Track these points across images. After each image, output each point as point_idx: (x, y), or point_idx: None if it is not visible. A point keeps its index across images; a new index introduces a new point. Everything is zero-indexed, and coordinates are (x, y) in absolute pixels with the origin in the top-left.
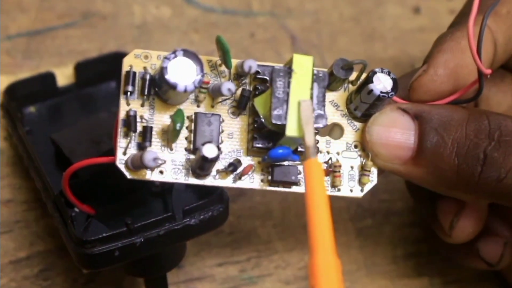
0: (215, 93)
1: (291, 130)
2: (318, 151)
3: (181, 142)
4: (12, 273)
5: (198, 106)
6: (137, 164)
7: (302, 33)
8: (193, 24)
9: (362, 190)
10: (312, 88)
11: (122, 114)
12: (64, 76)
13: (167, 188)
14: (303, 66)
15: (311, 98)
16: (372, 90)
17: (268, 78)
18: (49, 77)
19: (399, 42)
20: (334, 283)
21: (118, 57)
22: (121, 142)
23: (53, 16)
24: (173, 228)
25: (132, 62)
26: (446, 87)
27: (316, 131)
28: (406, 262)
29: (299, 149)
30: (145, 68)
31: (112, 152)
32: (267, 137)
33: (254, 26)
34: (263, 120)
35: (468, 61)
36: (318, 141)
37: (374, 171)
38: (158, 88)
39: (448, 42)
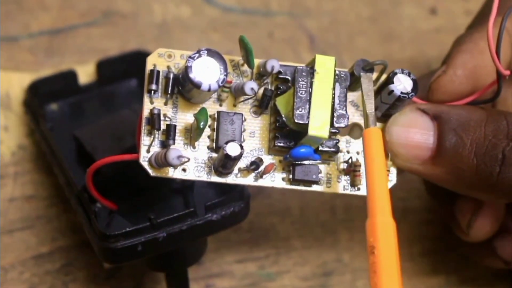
0: (237, 93)
1: (313, 130)
2: (375, 121)
3: (204, 141)
4: (34, 268)
5: (220, 105)
6: (160, 161)
7: (320, 33)
8: (213, 23)
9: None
10: (334, 88)
11: (145, 112)
12: (85, 74)
13: (188, 184)
14: (326, 67)
15: (333, 98)
16: (392, 91)
17: (290, 78)
18: (70, 75)
19: (416, 43)
20: (391, 241)
21: (139, 55)
22: (145, 140)
23: (74, 15)
24: (195, 223)
25: (156, 61)
26: (465, 88)
27: (338, 131)
28: (423, 260)
29: (320, 148)
30: (168, 67)
31: (134, 149)
32: (288, 136)
33: (273, 26)
34: (284, 120)
35: (487, 62)
36: (338, 140)
37: (393, 171)
38: (182, 87)
39: (466, 43)
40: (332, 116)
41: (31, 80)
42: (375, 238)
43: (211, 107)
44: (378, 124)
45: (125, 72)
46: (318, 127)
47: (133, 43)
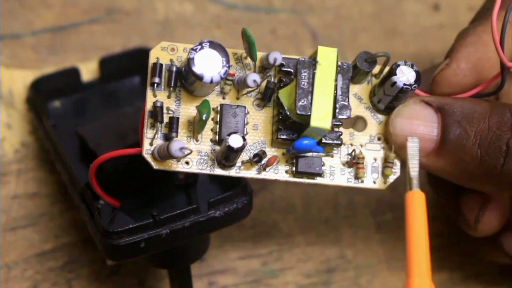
0: (240, 85)
1: (316, 120)
2: (418, 184)
3: (207, 133)
4: (37, 265)
5: (223, 98)
6: (163, 154)
7: (323, 30)
8: (216, 20)
9: (385, 182)
10: (336, 80)
11: (149, 105)
12: (88, 71)
13: (191, 181)
14: (328, 58)
15: (335, 89)
16: (395, 82)
17: (292, 71)
18: (73, 72)
19: (419, 39)
20: None
21: (142, 52)
22: (148, 133)
23: (77, 12)
24: (198, 220)
25: (159, 54)
26: (469, 81)
27: (341, 123)
28: None
29: (323, 140)
30: (171, 60)
31: (137, 145)
32: (291, 129)
33: (276, 23)
34: (287, 112)
35: (490, 55)
36: (341, 133)
37: (397, 163)
38: (185, 80)
39: (470, 36)
40: (335, 108)
41: (34, 77)
42: None
43: (214, 100)
44: (381, 117)
45: (128, 69)
46: (321, 118)
47: (136, 40)
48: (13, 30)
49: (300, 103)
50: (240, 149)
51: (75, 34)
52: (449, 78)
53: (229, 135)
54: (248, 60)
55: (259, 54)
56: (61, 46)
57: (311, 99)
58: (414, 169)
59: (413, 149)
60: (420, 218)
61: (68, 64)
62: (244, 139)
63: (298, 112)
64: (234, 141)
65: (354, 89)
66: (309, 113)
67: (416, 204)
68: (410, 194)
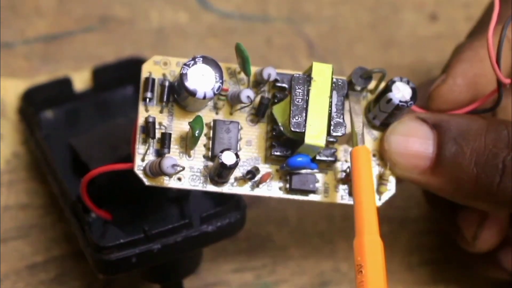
0: (234, 101)
1: (310, 138)
2: (364, 139)
3: (200, 149)
4: (28, 277)
5: (216, 113)
6: (155, 170)
7: (319, 40)
8: (210, 29)
9: (380, 199)
10: (331, 96)
11: (140, 121)
12: (81, 81)
13: (184, 194)
14: (323, 74)
15: (330, 106)
16: (391, 99)
17: (287, 86)
18: (66, 82)
19: (416, 49)
20: (378, 260)
21: (136, 62)
22: (140, 149)
23: (70, 21)
24: (191, 235)
25: (151, 69)
26: (465, 97)
27: (335, 139)
28: (422, 270)
29: (318, 157)
30: (164, 74)
31: (130, 158)
32: (285, 145)
33: (271, 32)
34: (281, 128)
35: (487, 71)
36: (336, 149)
37: (392, 181)
38: (177, 95)
39: (466, 51)
40: (329, 125)
41: (26, 86)
42: (363, 257)
43: (207, 115)
44: (376, 133)
45: (121, 79)
46: (315, 135)
47: (130, 50)
48: (5, 38)
49: (294, 120)
50: (233, 166)
51: (68, 43)
52: (445, 94)
53: (222, 151)
54: (242, 75)
55: (253, 69)
56: (53, 55)
57: (306, 116)
58: (358, 124)
59: (355, 103)
60: (366, 175)
61: (61, 73)
62: (237, 156)
63: (292, 129)
64: (227, 158)
65: (348, 105)
66: (303, 130)
67: (362, 160)
68: (355, 150)
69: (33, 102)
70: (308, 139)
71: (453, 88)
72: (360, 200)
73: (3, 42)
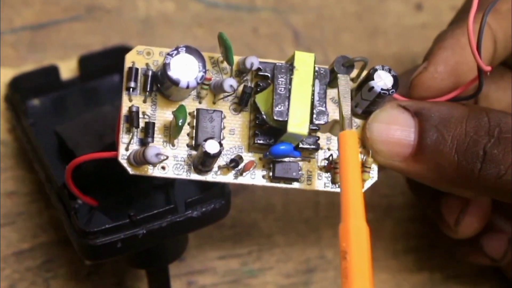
0: (217, 90)
1: (292, 126)
2: (352, 123)
3: (183, 138)
4: (15, 264)
5: (200, 103)
6: (139, 159)
7: (305, 29)
8: (197, 19)
9: (362, 186)
10: (313, 85)
11: (124, 110)
12: (68, 69)
13: (169, 181)
14: (305, 63)
15: (313, 95)
16: (373, 87)
17: (269, 75)
18: (53, 70)
19: (402, 39)
20: (364, 246)
21: (122, 51)
22: (124, 138)
23: (57, 10)
24: (175, 220)
25: (135, 59)
26: (446, 84)
27: (318, 128)
28: (407, 257)
29: (300, 145)
30: (147, 64)
31: (115, 145)
32: (268, 134)
33: (257, 22)
34: (264, 117)
35: (469, 59)
36: (319, 137)
37: (374, 168)
38: (160, 85)
39: (448, 39)
40: (312, 113)
41: (13, 75)
42: (348, 243)
43: (190, 104)
44: (359, 121)
45: (108, 67)
46: (297, 124)
47: (117, 39)
48: None
49: (277, 109)
50: (217, 155)
51: (55, 32)
52: (427, 82)
53: (205, 140)
54: (225, 64)
55: (237, 58)
56: (40, 44)
57: (288, 105)
58: (346, 108)
59: (344, 86)
60: (353, 159)
61: (48, 62)
62: (221, 145)
63: (275, 117)
64: (211, 146)
65: (331, 93)
66: (286, 119)
67: (349, 144)
68: (342, 134)
69: (20, 90)
70: (291, 128)
71: (435, 75)
72: (346, 185)
73: None
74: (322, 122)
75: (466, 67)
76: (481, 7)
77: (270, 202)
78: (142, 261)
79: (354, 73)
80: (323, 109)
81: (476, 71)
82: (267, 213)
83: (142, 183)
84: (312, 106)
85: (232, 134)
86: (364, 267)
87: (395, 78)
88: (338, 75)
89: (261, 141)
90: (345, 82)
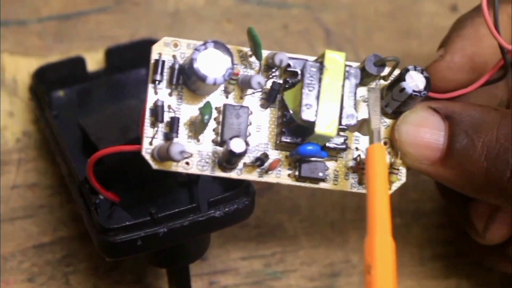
0: (244, 85)
1: (321, 127)
2: (381, 137)
3: (209, 134)
4: (34, 257)
5: (226, 97)
6: (163, 155)
7: (336, 27)
8: (226, 13)
9: (389, 189)
10: (343, 85)
11: (149, 103)
12: (94, 61)
13: (193, 178)
14: (335, 63)
15: (342, 96)
16: (404, 89)
17: (299, 72)
18: (79, 62)
19: (435, 40)
20: (389, 262)
21: (150, 44)
22: (148, 132)
23: (85, 0)
24: (197, 219)
25: (161, 50)
26: (462, 76)
27: (346, 127)
28: (434, 264)
29: (328, 145)
30: (174, 56)
31: (139, 140)
32: (295, 132)
33: (288, 18)
34: (292, 115)
35: (486, 50)
36: (347, 137)
37: (403, 170)
38: (187, 78)
39: (467, 28)
40: (341, 114)
41: (38, 65)
42: (373, 258)
43: (217, 99)
44: (388, 121)
45: (135, 61)
46: (326, 125)
47: (144, 32)
48: (18, 16)
49: (306, 109)
50: (242, 154)
51: (82, 22)
52: (442, 71)
53: (231, 139)
54: (253, 58)
55: (265, 53)
56: (67, 34)
57: (317, 105)
58: (375, 122)
59: (373, 100)
60: (381, 173)
61: (74, 53)
62: (247, 144)
63: (303, 117)
64: (236, 145)
65: (361, 91)
66: (314, 119)
67: (377, 159)
68: (370, 148)
69: (44, 81)
70: (319, 129)
71: (451, 65)
72: (373, 199)
73: (17, 20)
74: (351, 123)
75: (482, 59)
76: None
77: (296, 203)
78: (162, 260)
79: (385, 71)
80: (353, 110)
81: (491, 64)
82: (293, 214)
83: (166, 179)
84: (342, 107)
85: (258, 131)
86: (389, 283)
87: (427, 79)
88: (368, 87)
89: (288, 140)
90: (375, 96)
